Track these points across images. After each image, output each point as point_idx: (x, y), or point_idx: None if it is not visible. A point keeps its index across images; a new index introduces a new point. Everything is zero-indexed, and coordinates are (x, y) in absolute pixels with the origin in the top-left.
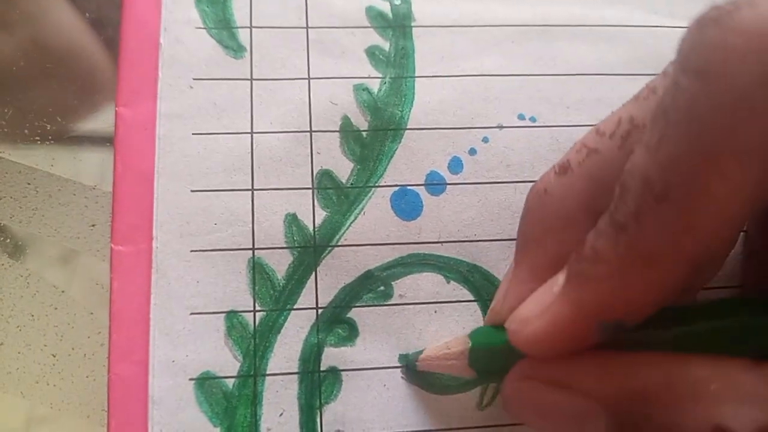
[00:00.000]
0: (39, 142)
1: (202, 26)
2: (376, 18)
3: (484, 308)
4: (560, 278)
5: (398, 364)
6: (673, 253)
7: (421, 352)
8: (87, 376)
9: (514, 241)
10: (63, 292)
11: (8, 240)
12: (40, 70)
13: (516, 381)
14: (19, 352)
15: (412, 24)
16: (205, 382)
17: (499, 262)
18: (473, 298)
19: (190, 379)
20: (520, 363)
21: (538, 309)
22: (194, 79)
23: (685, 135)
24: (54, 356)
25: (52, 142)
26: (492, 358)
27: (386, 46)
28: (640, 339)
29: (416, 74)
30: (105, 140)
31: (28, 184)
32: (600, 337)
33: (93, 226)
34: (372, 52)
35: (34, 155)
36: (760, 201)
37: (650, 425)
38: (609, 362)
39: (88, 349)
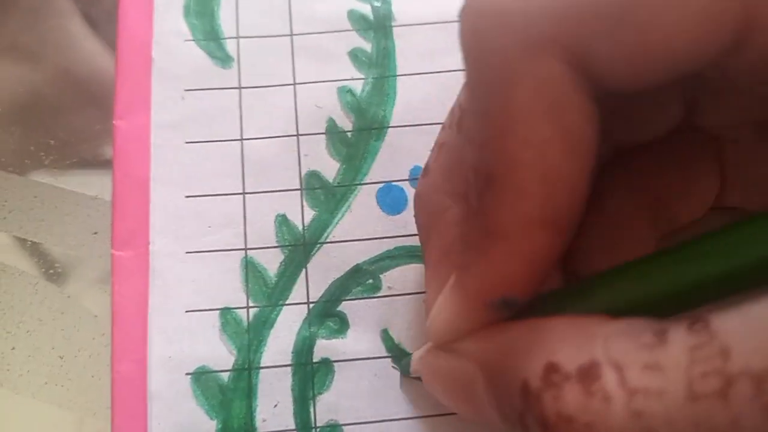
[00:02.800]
0: (87, 165)
1: (191, 38)
2: (358, 21)
3: None
4: (453, 275)
5: (388, 354)
6: (516, 223)
7: (410, 357)
8: (92, 376)
9: None
10: (68, 297)
11: (17, 250)
12: (66, 98)
13: (424, 355)
14: (29, 355)
15: (393, 24)
16: (202, 377)
17: None
18: None
19: (187, 374)
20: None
21: (438, 306)
22: (185, 90)
23: (482, 116)
24: (61, 358)
25: (82, 166)
26: None
27: (368, 47)
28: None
29: (398, 73)
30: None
31: (35, 197)
32: (497, 316)
33: (95, 233)
34: (355, 55)
35: (71, 180)
36: (584, 146)
37: (506, 378)
38: (490, 327)
39: (93, 350)
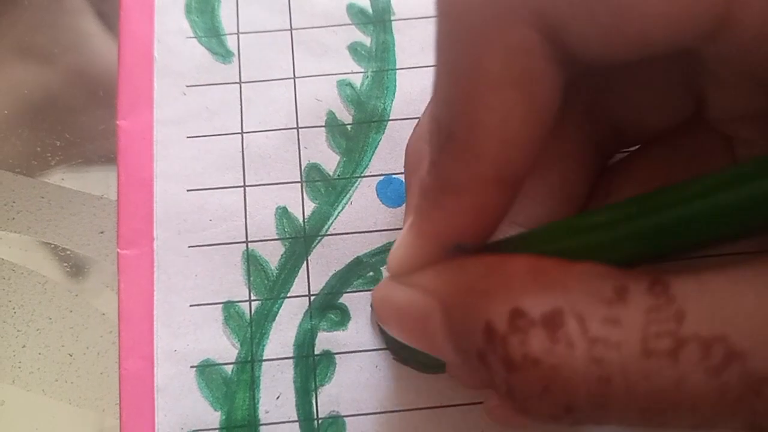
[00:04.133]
0: (93, 164)
1: (193, 35)
2: (357, 15)
3: None
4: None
5: (388, 346)
6: (470, 179)
7: None
8: (101, 373)
9: None
10: (77, 295)
11: (26, 250)
12: (79, 98)
13: (379, 288)
14: (39, 353)
15: (392, 18)
16: (206, 369)
17: None
18: None
19: (192, 367)
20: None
21: (398, 241)
22: (187, 86)
23: (448, 76)
24: (71, 356)
25: (87, 165)
26: None
27: (367, 41)
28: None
29: (397, 66)
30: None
31: (42, 197)
32: (450, 257)
33: (102, 232)
34: (354, 48)
35: (77, 180)
36: (544, 116)
37: (467, 316)
38: (449, 263)
39: (102, 348)
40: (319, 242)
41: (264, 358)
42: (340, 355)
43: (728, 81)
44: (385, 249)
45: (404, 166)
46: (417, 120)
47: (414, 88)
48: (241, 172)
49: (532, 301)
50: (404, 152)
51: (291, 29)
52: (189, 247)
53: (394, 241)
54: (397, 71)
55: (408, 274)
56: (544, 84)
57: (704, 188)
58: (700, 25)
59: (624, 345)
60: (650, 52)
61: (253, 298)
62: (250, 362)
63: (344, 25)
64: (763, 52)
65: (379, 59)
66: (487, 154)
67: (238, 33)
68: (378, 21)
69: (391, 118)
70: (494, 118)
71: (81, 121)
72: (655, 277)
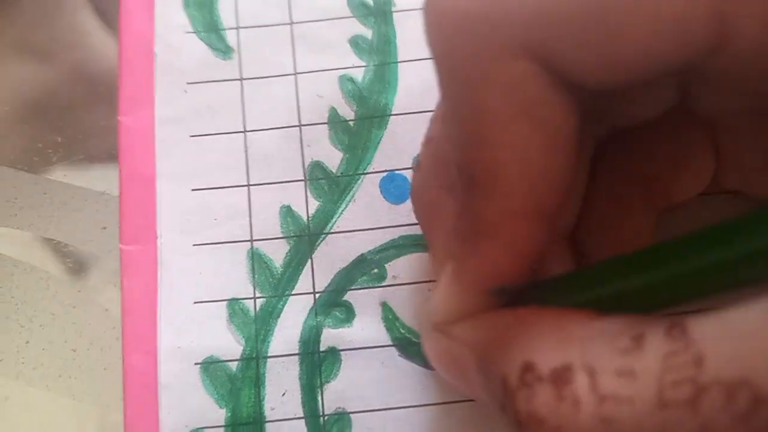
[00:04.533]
0: (94, 161)
1: (192, 30)
2: (358, 7)
3: None
4: (449, 265)
5: (394, 343)
6: (501, 217)
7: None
8: (105, 369)
9: None
10: (79, 291)
11: (29, 246)
12: (79, 95)
13: (425, 338)
14: (43, 349)
15: (393, 9)
16: (210, 366)
17: None
18: None
19: (196, 364)
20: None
21: (437, 291)
22: (188, 83)
23: (458, 120)
24: (74, 351)
25: (89, 162)
26: None
27: (369, 34)
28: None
29: (399, 59)
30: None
31: (44, 193)
32: (493, 302)
33: (104, 228)
34: (355, 42)
35: (89, 175)
36: (562, 140)
37: (491, 367)
38: (481, 315)
39: (105, 343)
40: (323, 240)
41: (269, 355)
42: (346, 352)
43: (720, 86)
44: (389, 246)
45: (416, 215)
46: (419, 114)
47: (416, 81)
48: (245, 171)
49: (543, 354)
50: (411, 200)
51: (291, 23)
52: (193, 245)
53: (400, 237)
54: (399, 64)
55: (452, 322)
56: (554, 111)
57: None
58: (695, 44)
59: (638, 399)
60: (648, 74)
61: (257, 295)
62: (255, 359)
63: (345, 18)
64: (759, 67)
65: (381, 52)
66: (511, 190)
67: (237, 28)
68: (379, 13)
69: (393, 113)
70: (509, 153)
71: (81, 118)
72: (673, 320)
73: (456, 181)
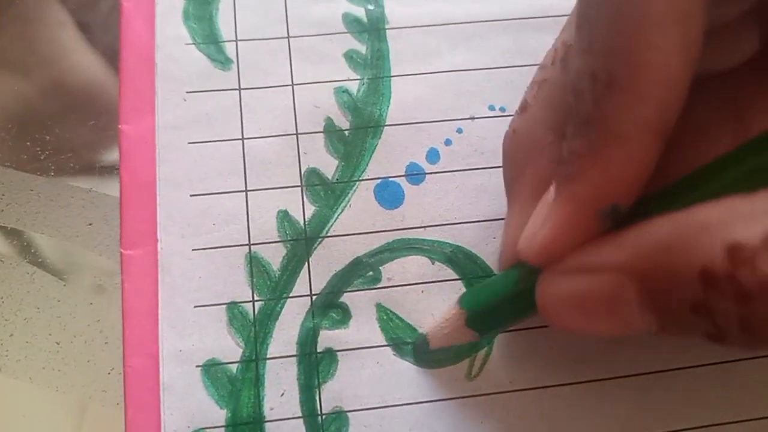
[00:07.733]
0: (64, 175)
1: (191, 42)
2: (352, 23)
3: (469, 286)
4: (551, 191)
5: (389, 343)
6: (635, 125)
7: (423, 336)
8: (88, 361)
9: (493, 222)
10: (64, 285)
11: (15, 241)
12: (59, 110)
13: (547, 287)
14: (26, 342)
15: (386, 27)
16: (211, 368)
17: (480, 241)
18: (458, 277)
19: (197, 366)
20: (544, 274)
21: (539, 222)
22: (187, 92)
23: (608, 25)
24: (58, 344)
25: (75, 175)
26: (485, 312)
27: (363, 49)
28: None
29: (392, 74)
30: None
31: (31, 190)
32: (602, 227)
33: (90, 224)
34: (350, 56)
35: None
36: (694, 57)
37: (673, 274)
38: (619, 235)
39: (89, 336)
40: (319, 244)
41: (268, 356)
42: (342, 353)
43: None
44: (383, 249)
45: (509, 160)
46: (412, 125)
47: (408, 95)
48: (243, 177)
49: (741, 232)
50: (505, 143)
51: (288, 37)
52: (193, 250)
53: (394, 241)
54: (392, 78)
55: (557, 257)
56: (698, 26)
57: None
58: None
59: None
60: None
61: (256, 298)
62: (254, 361)
63: (340, 33)
64: None
65: (375, 67)
66: (651, 95)
67: (236, 40)
68: (373, 30)
69: (386, 123)
70: (659, 56)
71: (61, 132)
72: None
73: (567, 120)
